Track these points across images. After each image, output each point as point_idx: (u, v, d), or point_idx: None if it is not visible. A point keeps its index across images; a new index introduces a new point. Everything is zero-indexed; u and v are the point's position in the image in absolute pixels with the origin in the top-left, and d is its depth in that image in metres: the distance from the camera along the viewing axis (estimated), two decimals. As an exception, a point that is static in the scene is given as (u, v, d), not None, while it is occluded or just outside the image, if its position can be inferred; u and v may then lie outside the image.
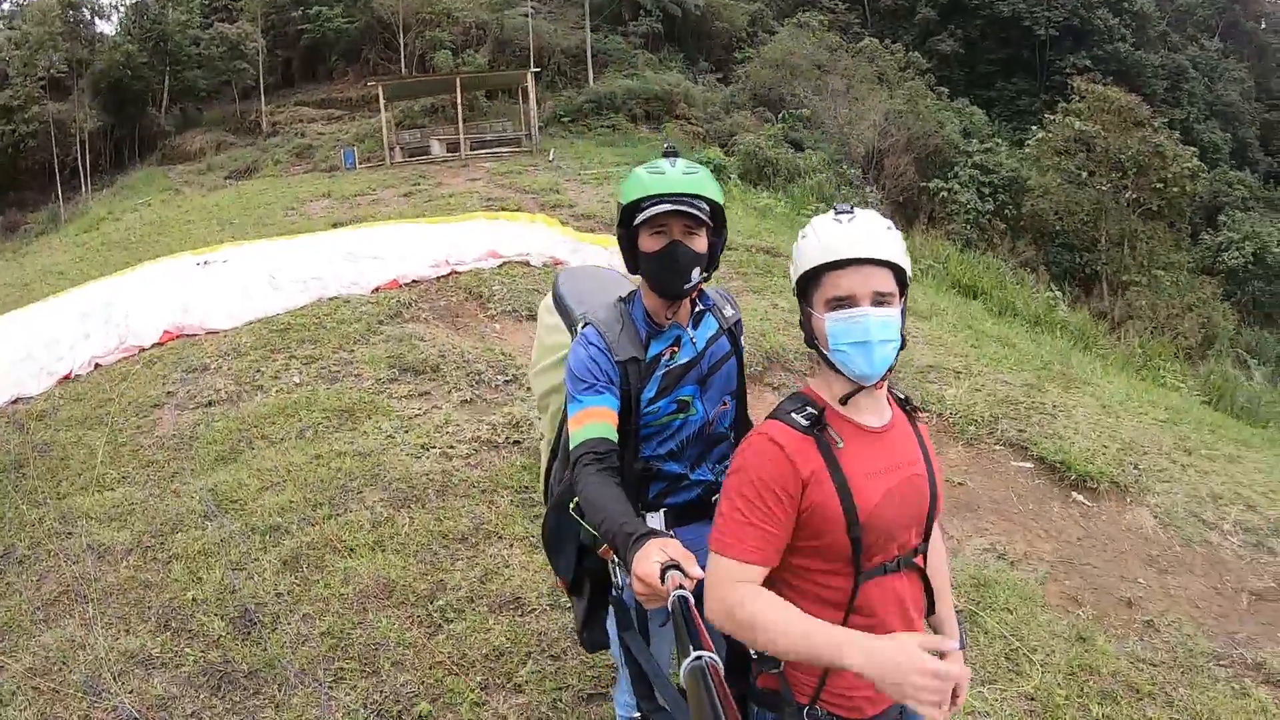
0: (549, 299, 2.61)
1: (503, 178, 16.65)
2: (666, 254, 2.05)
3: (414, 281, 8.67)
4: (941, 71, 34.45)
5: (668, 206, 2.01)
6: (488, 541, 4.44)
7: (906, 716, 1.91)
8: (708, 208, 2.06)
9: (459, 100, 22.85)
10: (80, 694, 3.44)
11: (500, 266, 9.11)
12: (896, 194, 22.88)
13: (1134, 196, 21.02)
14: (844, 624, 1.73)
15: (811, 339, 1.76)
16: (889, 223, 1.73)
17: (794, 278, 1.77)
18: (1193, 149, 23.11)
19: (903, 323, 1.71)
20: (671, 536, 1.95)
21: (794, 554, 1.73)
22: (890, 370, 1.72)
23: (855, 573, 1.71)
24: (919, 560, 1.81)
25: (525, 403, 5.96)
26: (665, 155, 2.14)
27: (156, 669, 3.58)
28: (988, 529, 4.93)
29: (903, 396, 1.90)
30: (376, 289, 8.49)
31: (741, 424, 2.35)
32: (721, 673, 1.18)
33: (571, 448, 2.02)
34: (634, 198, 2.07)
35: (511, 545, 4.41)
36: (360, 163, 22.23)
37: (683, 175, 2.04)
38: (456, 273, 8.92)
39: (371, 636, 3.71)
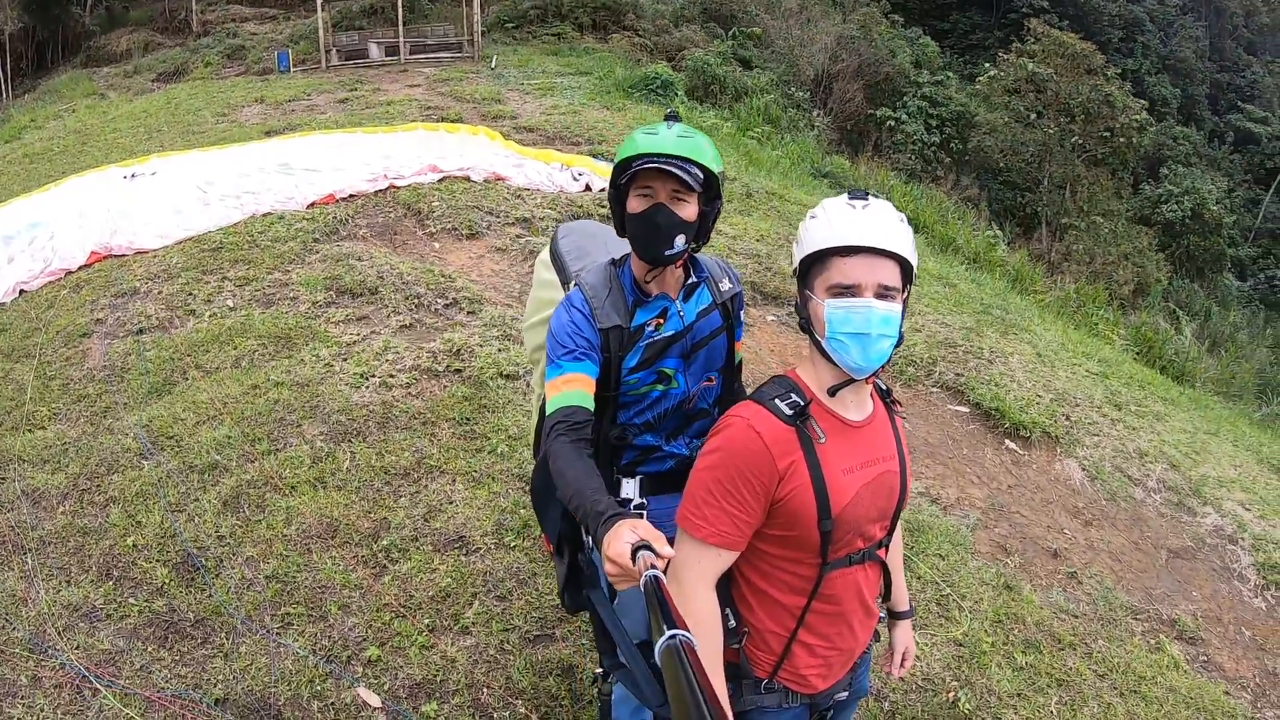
0: (546, 253, 2.55)
1: (443, 85, 15.98)
2: (648, 216, 2.00)
3: (351, 196, 8.29)
4: (896, -1, 33.90)
5: (655, 165, 1.96)
6: (430, 477, 4.38)
7: (854, 688, 1.98)
8: (700, 174, 1.99)
9: (399, 2, 21.78)
10: (26, 652, 3.32)
11: (440, 181, 8.77)
12: (844, 120, 22.54)
13: (1080, 142, 21.15)
14: (808, 609, 1.77)
15: (807, 324, 1.73)
16: (902, 215, 1.69)
17: (797, 258, 1.73)
18: (1142, 102, 23.27)
19: (903, 319, 1.69)
20: (645, 505, 1.94)
21: (762, 540, 1.75)
22: (883, 367, 1.70)
23: (821, 563, 1.73)
24: (881, 553, 1.85)
25: (466, 328, 5.83)
26: (666, 119, 2.08)
27: (101, 621, 3.47)
28: (922, 473, 5.06)
29: (885, 388, 1.90)
30: (312, 204, 8.11)
31: (728, 401, 2.33)
32: (697, 650, 1.19)
33: (547, 414, 1.99)
34: (625, 156, 2.01)
35: (454, 480, 4.35)
36: (295, 65, 21.04)
37: (677, 138, 1.99)
38: (395, 187, 8.54)
39: (317, 579, 3.67)
